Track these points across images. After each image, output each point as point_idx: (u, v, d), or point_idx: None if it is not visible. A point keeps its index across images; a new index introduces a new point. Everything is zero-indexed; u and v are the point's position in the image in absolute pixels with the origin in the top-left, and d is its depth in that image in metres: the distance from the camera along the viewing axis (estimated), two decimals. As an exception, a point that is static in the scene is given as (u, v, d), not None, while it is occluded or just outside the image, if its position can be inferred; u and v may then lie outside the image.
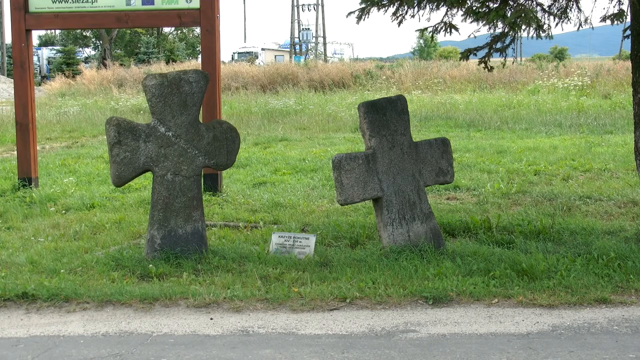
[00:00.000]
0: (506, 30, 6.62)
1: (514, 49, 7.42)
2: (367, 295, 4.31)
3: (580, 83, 21.26)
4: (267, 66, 29.90)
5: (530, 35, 6.30)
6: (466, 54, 7.34)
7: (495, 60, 7.21)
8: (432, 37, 6.89)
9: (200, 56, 7.45)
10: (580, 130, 13.65)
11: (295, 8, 56.97)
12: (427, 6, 7.16)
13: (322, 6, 57.14)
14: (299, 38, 57.47)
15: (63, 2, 6.00)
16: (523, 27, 6.26)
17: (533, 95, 20.36)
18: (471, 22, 6.85)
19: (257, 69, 28.73)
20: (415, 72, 26.38)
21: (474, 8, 6.61)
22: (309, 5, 57.42)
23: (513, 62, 7.68)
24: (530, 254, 4.94)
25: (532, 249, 5.10)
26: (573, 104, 17.74)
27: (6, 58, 37.50)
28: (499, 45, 6.87)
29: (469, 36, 6.97)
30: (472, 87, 23.29)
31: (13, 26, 6.06)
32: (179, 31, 54.38)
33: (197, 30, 46.80)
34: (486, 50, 6.91)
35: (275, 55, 57.41)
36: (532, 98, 19.35)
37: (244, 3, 62.39)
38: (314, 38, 58.08)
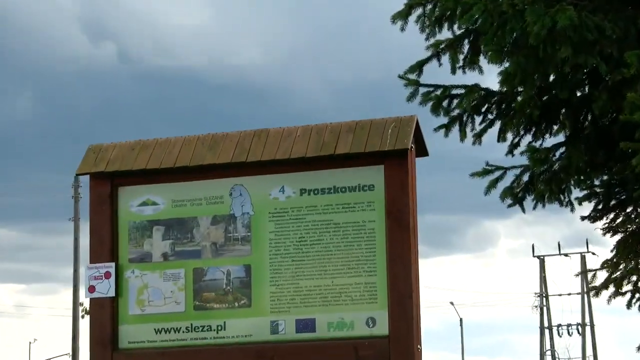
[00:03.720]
0: None
1: None
2: None
3: None
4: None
5: None
6: None
7: None
8: None
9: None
10: None
11: (547, 332, 55.54)
12: None
13: (592, 327, 54.97)
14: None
15: (173, 331, 5.72)
16: None
17: None
18: None
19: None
20: None
21: None
22: (569, 326, 55.39)
23: None
24: None
25: None
26: None
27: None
28: None
29: None
30: None
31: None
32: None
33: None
34: None
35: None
36: None
37: (462, 327, 61.99)
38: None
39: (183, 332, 5.77)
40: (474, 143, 6.82)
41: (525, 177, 6.83)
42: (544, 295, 54.04)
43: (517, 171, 6.88)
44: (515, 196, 6.85)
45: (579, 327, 53.95)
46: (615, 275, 6.80)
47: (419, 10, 6.50)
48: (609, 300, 6.93)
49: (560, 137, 6.90)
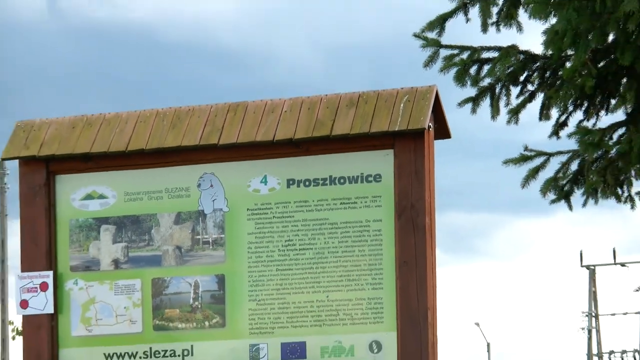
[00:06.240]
0: None
1: None
2: None
3: None
4: None
5: None
6: None
7: None
8: None
9: None
10: None
11: None
12: None
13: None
14: None
15: (126, 357, 5.94)
16: None
17: None
18: None
19: None
20: None
21: None
22: (623, 352, 55.82)
23: None
24: None
25: None
26: None
27: None
28: None
29: None
30: None
31: None
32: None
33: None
34: None
35: None
36: None
37: (489, 353, 62.51)
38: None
39: (140, 357, 5.90)
40: (509, 122, 6.89)
41: (574, 166, 6.87)
42: (593, 314, 54.46)
43: (564, 158, 6.94)
44: (561, 189, 6.88)
45: (637, 354, 54.42)
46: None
47: (441, -50, 6.42)
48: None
49: (620, 115, 6.91)
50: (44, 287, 6.00)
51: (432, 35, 6.88)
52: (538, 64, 6.72)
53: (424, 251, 5.76)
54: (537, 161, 6.88)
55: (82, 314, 6.05)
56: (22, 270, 6.08)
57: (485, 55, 6.79)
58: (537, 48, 6.70)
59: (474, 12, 6.78)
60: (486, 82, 6.74)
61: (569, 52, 6.44)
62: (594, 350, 55.08)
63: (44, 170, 6.09)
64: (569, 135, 6.93)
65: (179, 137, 5.99)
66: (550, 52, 6.53)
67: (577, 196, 7.03)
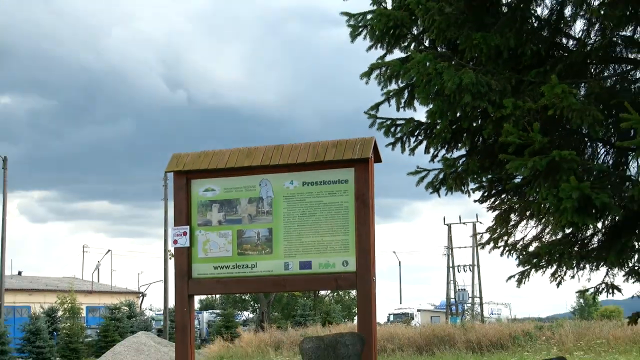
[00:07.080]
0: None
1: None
2: None
3: None
4: (423, 327, 29.16)
5: None
6: (635, 318, 6.85)
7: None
8: (593, 297, 6.51)
9: (356, 318, 7.09)
10: None
11: (451, 269, 57.24)
12: (587, 266, 6.96)
13: (478, 267, 56.95)
14: (455, 299, 56.50)
15: (224, 268, 6.18)
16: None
17: None
18: (634, 282, 6.43)
19: (413, 330, 27.99)
20: (576, 332, 24.69)
21: (637, 268, 6.28)
22: (464, 266, 57.87)
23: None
24: None
25: None
26: None
27: (168, 322, 39.42)
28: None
29: (632, 296, 6.51)
30: (637, 349, 21.28)
31: (177, 292, 6.29)
32: (335, 293, 55.12)
33: (353, 292, 46.30)
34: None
35: (431, 317, 56.60)
36: None
37: (400, 267, 63.25)
38: (470, 298, 56.86)
39: (231, 268, 6.23)
40: (409, 154, 7.03)
41: (441, 176, 7.03)
42: (450, 247, 57.73)
43: (436, 172, 7.06)
44: (434, 187, 7.06)
45: (470, 267, 57.67)
46: (493, 236, 7.21)
47: (377, 71, 6.73)
48: (489, 251, 7.04)
49: (463, 151, 7.11)
50: (185, 233, 6.31)
51: (372, 112, 7.07)
52: (424, 126, 6.91)
53: (369, 217, 6.00)
54: (423, 173, 7.08)
55: (203, 247, 6.30)
56: (174, 225, 6.37)
57: (398, 122, 7.01)
58: (423, 119, 6.90)
59: (393, 101, 6.98)
60: (399, 135, 6.95)
61: (438, 121, 6.63)
62: (450, 265, 57.96)
63: (185, 177, 6.35)
64: (439, 161, 7.08)
65: (250, 160, 6.23)
66: (429, 121, 6.71)
67: (443, 190, 7.17)
